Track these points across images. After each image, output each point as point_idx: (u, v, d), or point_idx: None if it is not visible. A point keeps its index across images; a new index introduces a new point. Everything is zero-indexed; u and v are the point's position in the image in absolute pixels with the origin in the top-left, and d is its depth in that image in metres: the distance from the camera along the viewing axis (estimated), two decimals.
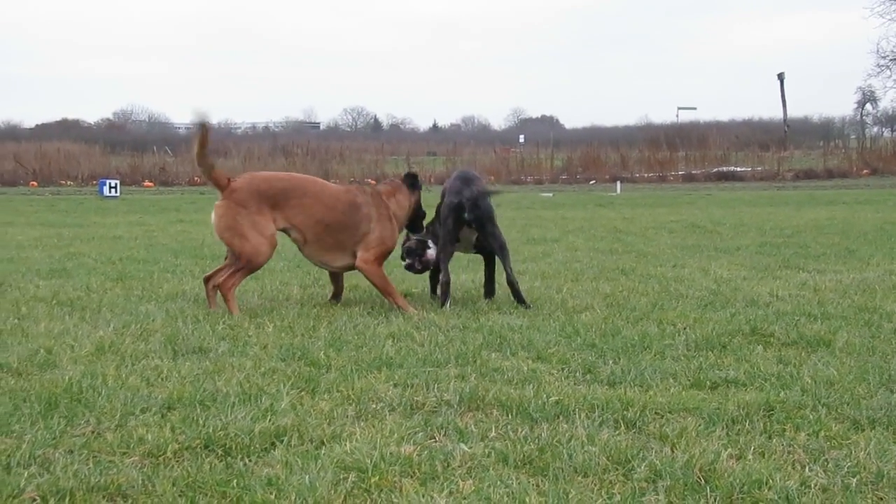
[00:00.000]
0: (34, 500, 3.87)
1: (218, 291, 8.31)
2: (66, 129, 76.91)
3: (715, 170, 52.97)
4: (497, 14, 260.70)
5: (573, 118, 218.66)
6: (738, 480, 4.01)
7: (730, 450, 4.44)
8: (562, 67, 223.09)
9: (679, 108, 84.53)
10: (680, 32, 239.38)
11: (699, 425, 4.83)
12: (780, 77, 73.49)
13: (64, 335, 7.08)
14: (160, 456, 4.37)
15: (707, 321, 7.59)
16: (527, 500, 3.82)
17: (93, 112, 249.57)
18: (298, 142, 63.98)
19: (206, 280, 8.48)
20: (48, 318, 7.84)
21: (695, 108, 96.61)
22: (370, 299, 8.74)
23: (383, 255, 8.61)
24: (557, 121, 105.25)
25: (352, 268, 8.65)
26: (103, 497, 3.90)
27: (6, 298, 8.94)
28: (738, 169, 53.43)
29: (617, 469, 4.20)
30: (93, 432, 4.72)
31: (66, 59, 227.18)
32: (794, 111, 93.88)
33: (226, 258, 8.57)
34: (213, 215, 8.31)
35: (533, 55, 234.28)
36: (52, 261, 12.42)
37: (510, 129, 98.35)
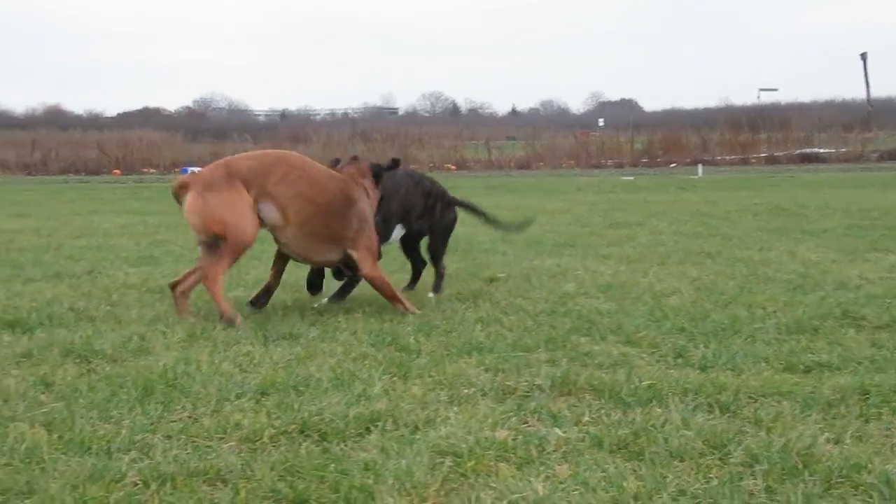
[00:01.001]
0: (135, 484, 3.93)
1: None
2: (148, 118, 77.94)
3: (797, 151, 52.28)
4: None
5: (652, 101, 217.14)
6: (836, 465, 3.97)
7: (827, 434, 4.40)
8: (640, 49, 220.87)
9: (760, 90, 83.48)
10: (760, 12, 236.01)
11: (794, 409, 4.79)
12: (863, 57, 72.32)
13: (156, 322, 7.19)
14: (257, 441, 4.42)
15: (797, 304, 7.51)
16: (624, 484, 3.81)
17: (173, 100, 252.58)
18: (377, 127, 64.17)
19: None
20: (139, 304, 7.96)
21: (776, 90, 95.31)
22: (457, 284, 8.75)
23: None
24: (637, 103, 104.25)
25: None
26: (203, 482, 3.95)
27: (97, 286, 9.08)
28: (822, 150, 52.70)
29: (713, 453, 4.18)
30: (189, 417, 4.79)
31: (146, 47, 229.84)
32: (878, 91, 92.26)
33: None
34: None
35: (611, 37, 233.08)
36: (139, 248, 12.59)
37: (589, 113, 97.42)
